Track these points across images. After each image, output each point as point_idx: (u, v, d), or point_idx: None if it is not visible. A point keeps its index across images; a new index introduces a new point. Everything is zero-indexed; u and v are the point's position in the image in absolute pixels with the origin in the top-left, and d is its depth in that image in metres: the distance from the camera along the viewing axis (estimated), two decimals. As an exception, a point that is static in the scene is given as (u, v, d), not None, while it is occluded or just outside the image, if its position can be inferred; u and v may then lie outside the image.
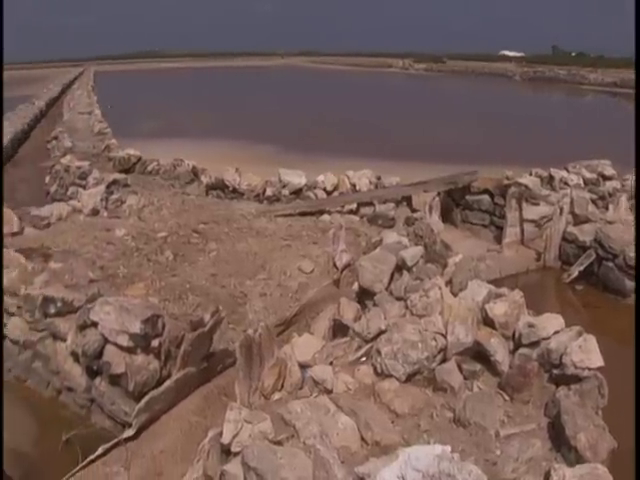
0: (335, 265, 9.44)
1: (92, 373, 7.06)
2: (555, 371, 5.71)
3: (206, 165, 16.16)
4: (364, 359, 6.29)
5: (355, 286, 8.20)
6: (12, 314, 8.44)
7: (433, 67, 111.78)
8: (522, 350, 5.99)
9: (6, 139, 27.07)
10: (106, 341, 6.91)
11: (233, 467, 4.65)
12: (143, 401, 6.41)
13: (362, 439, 4.99)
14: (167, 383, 6.68)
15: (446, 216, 13.99)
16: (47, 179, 18.08)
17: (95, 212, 11.98)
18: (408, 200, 13.19)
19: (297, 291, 8.72)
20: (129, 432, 6.30)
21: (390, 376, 5.83)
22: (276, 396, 5.84)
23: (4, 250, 9.63)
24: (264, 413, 5.12)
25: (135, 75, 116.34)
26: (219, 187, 14.18)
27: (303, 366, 6.13)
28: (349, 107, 45.71)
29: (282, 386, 5.96)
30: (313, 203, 12.83)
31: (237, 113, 41.63)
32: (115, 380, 6.77)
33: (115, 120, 30.06)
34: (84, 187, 14.48)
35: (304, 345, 6.52)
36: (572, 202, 12.50)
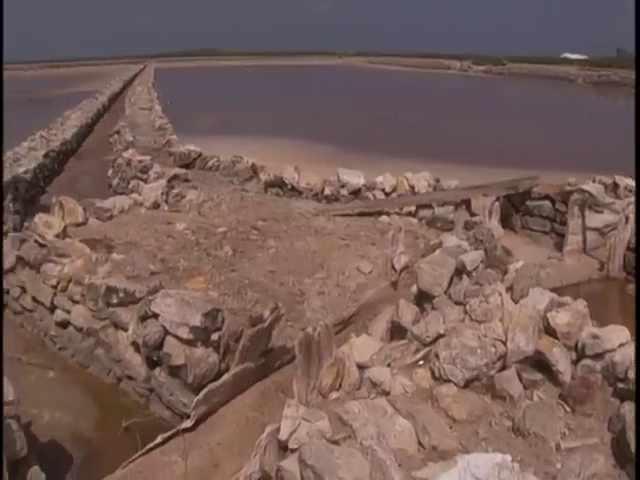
0: (393, 267, 9.40)
1: (152, 363, 7.20)
2: (620, 385, 5.52)
3: (265, 163, 16.31)
4: (422, 362, 6.23)
5: (414, 289, 8.13)
6: (76, 302, 8.70)
7: (492, 69, 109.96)
8: (585, 361, 5.81)
9: (70, 133, 28.03)
10: (166, 333, 7.04)
11: (290, 464, 4.66)
12: (202, 393, 6.50)
13: (419, 443, 4.95)
14: (225, 377, 6.75)
15: (505, 221, 13.72)
16: (109, 172, 18.58)
17: (156, 206, 12.23)
18: (467, 204, 13.02)
19: (355, 291, 8.72)
20: (187, 423, 6.40)
21: (448, 381, 5.76)
22: (334, 395, 5.83)
23: (70, 240, 9.94)
24: (322, 412, 5.12)
25: (194, 73, 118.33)
26: (278, 185, 14.31)
27: (361, 367, 6.11)
28: (407, 108, 45.43)
29: (340, 386, 5.95)
30: (371, 204, 12.80)
31: (295, 112, 41.88)
32: (174, 371, 6.90)
33: (175, 116, 30.63)
34: (145, 181, 14.82)
35: (362, 346, 6.51)
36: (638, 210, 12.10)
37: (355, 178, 13.70)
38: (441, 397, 5.57)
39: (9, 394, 5.69)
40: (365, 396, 5.68)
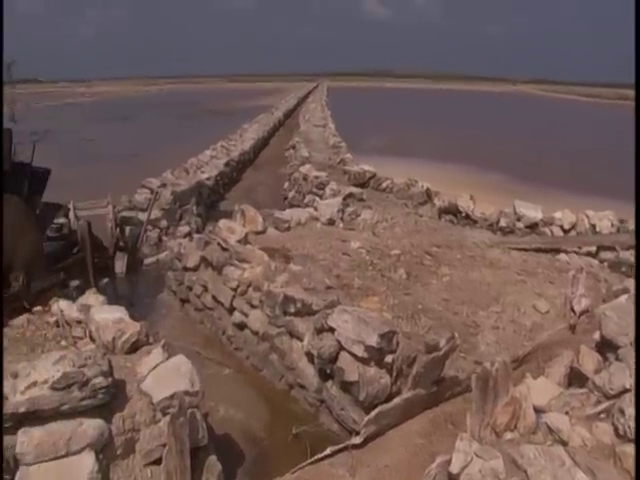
0: (572, 309, 8.93)
1: (325, 376, 7.38)
2: None
3: (438, 188, 16.25)
4: (603, 416, 5.85)
5: (596, 335, 7.67)
6: (254, 306, 9.13)
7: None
8: None
9: (248, 144, 29.69)
10: (341, 348, 7.18)
11: (461, 498, 4.58)
12: (373, 413, 6.54)
13: (600, 503, 4.65)
14: (396, 400, 6.75)
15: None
16: (285, 185, 19.38)
17: (331, 222, 12.54)
18: (656, 249, 12.10)
19: (531, 330, 8.39)
20: (356, 440, 6.46)
21: (634, 441, 5.36)
22: (508, 436, 5.65)
23: (250, 246, 10.46)
24: (495, 451, 4.97)
25: (366, 93, 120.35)
26: (452, 212, 14.18)
27: (538, 410, 5.87)
28: (585, 141, 43.23)
29: (515, 426, 5.76)
30: (549, 240, 12.29)
31: (466, 138, 41.35)
32: (347, 387, 7.02)
33: (348, 135, 31.34)
34: (320, 197, 15.30)
35: (539, 389, 6.25)
36: None
37: (532, 211, 13.25)
38: (625, 457, 5.18)
39: (195, 384, 6.10)
40: (541, 442, 5.44)
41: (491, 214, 13.48)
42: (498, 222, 13.28)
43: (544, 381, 6.57)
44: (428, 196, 15.70)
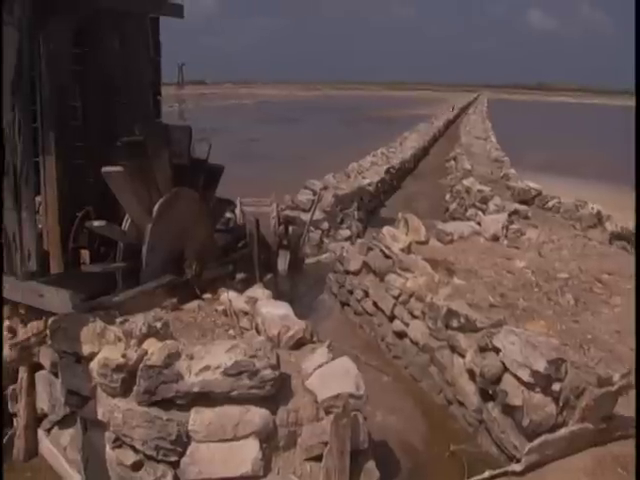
0: None
1: (486, 396, 7.28)
2: None
3: (609, 211, 15.38)
4: None
5: None
6: (415, 317, 9.19)
7: None
8: None
9: (408, 153, 29.81)
10: (505, 369, 7.05)
11: None
12: (537, 442, 6.37)
13: None
14: (562, 431, 6.52)
15: None
16: (447, 196, 19.22)
17: (495, 238, 12.26)
18: None
19: None
20: (517, 467, 6.33)
21: None
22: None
23: (413, 256, 10.52)
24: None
25: (526, 105, 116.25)
26: (625, 238, 13.37)
27: None
28: None
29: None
30: None
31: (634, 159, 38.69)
32: (509, 410, 6.87)
33: (509, 149, 30.45)
34: (484, 211, 15.03)
35: None
36: None
37: None
38: None
39: (360, 388, 6.23)
40: None
41: (670, 245, 12.51)
42: (677, 254, 12.28)
43: None
44: (599, 219, 14.87)
